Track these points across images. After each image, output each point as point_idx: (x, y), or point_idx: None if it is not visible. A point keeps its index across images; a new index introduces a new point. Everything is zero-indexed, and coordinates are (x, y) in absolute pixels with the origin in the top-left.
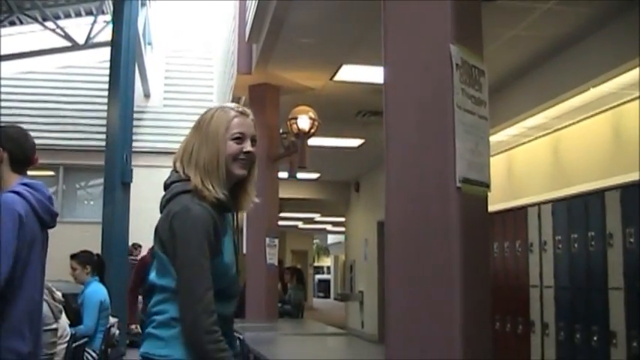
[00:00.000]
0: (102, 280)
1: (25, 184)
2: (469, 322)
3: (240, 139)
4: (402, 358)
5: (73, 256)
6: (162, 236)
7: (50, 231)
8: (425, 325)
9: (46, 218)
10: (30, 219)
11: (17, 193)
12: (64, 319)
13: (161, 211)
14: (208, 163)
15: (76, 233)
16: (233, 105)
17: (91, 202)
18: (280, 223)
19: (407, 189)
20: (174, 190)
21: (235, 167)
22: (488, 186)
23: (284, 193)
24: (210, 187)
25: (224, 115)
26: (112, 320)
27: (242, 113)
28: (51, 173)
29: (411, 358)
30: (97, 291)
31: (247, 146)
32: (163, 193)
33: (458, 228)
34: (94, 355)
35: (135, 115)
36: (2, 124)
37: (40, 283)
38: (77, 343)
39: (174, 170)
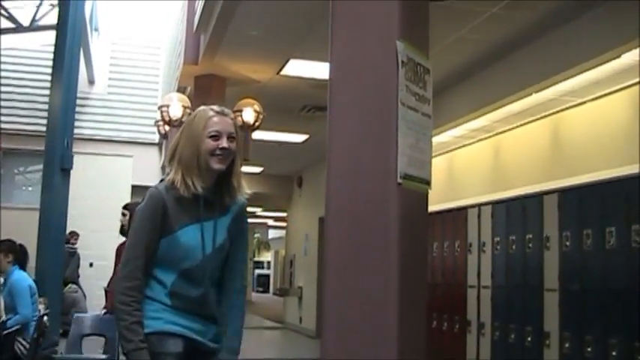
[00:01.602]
0: (22, 269)
1: None
2: (405, 318)
3: (216, 136)
4: (337, 352)
5: None
6: None
7: None
8: (360, 319)
9: None
10: None
11: None
12: (0, 304)
13: None
14: (189, 160)
15: (13, 219)
16: (215, 106)
17: (30, 188)
18: None
19: (348, 183)
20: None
21: (213, 162)
22: (429, 183)
23: None
24: (190, 183)
25: (203, 114)
26: (42, 308)
27: (220, 113)
28: None
29: (346, 353)
30: (22, 278)
31: (223, 142)
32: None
33: (397, 223)
34: (24, 343)
35: (78, 102)
36: None
37: None
38: (7, 331)
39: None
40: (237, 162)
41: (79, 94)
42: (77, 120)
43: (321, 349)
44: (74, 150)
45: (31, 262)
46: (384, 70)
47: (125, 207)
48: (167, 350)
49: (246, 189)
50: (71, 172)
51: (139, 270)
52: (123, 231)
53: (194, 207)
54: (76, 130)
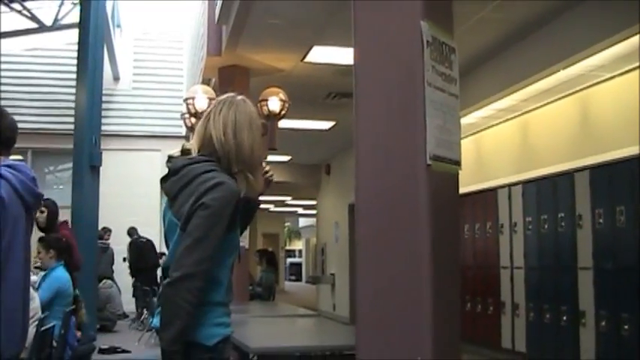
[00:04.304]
0: (68, 265)
1: (7, 166)
2: (439, 301)
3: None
4: (372, 337)
5: (39, 240)
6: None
7: None
8: (394, 304)
9: (30, 200)
10: (13, 201)
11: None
12: (36, 301)
13: (178, 193)
14: (257, 161)
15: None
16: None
17: (61, 187)
18: None
19: (377, 167)
20: (200, 169)
21: (262, 181)
22: (458, 163)
23: None
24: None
25: (259, 122)
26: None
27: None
28: (19, 157)
29: (381, 338)
30: (57, 277)
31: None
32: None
33: (428, 205)
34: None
35: (104, 98)
36: None
37: (25, 265)
38: (45, 327)
39: (199, 154)
40: None
41: (104, 91)
42: (104, 117)
43: (355, 335)
44: (102, 147)
45: None
46: (409, 52)
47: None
48: (229, 354)
49: None
50: (100, 168)
51: (208, 271)
52: (40, 228)
53: None
54: (103, 127)
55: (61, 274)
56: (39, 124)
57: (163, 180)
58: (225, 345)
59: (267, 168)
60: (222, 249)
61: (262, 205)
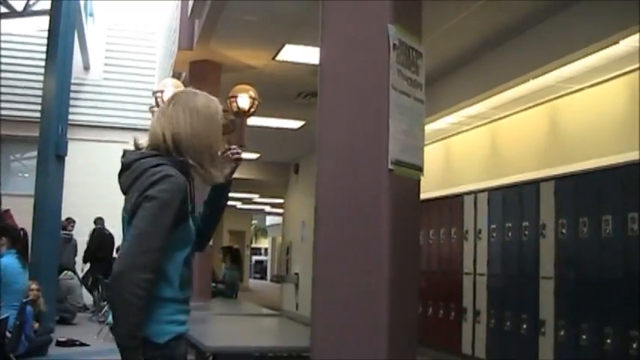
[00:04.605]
0: (22, 254)
1: None
2: (396, 304)
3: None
4: (327, 340)
5: None
6: (134, 206)
7: None
8: (351, 307)
9: None
10: None
11: None
12: None
13: (128, 189)
14: (215, 151)
15: (10, 206)
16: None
17: (26, 175)
18: None
19: (339, 169)
20: (149, 164)
21: (222, 168)
22: (421, 169)
23: None
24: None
25: (220, 112)
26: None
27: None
28: None
29: (336, 340)
30: (2, 263)
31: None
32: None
33: (388, 210)
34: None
35: (73, 88)
36: None
37: None
38: None
39: (148, 149)
40: None
41: (74, 80)
42: (72, 106)
43: (311, 336)
44: (69, 136)
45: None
46: (375, 55)
47: None
48: (182, 352)
49: None
50: (66, 158)
51: (156, 263)
52: None
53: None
54: (71, 117)
55: (9, 261)
56: (6, 110)
57: (120, 175)
58: (178, 343)
59: (233, 148)
60: (170, 243)
61: (229, 202)
